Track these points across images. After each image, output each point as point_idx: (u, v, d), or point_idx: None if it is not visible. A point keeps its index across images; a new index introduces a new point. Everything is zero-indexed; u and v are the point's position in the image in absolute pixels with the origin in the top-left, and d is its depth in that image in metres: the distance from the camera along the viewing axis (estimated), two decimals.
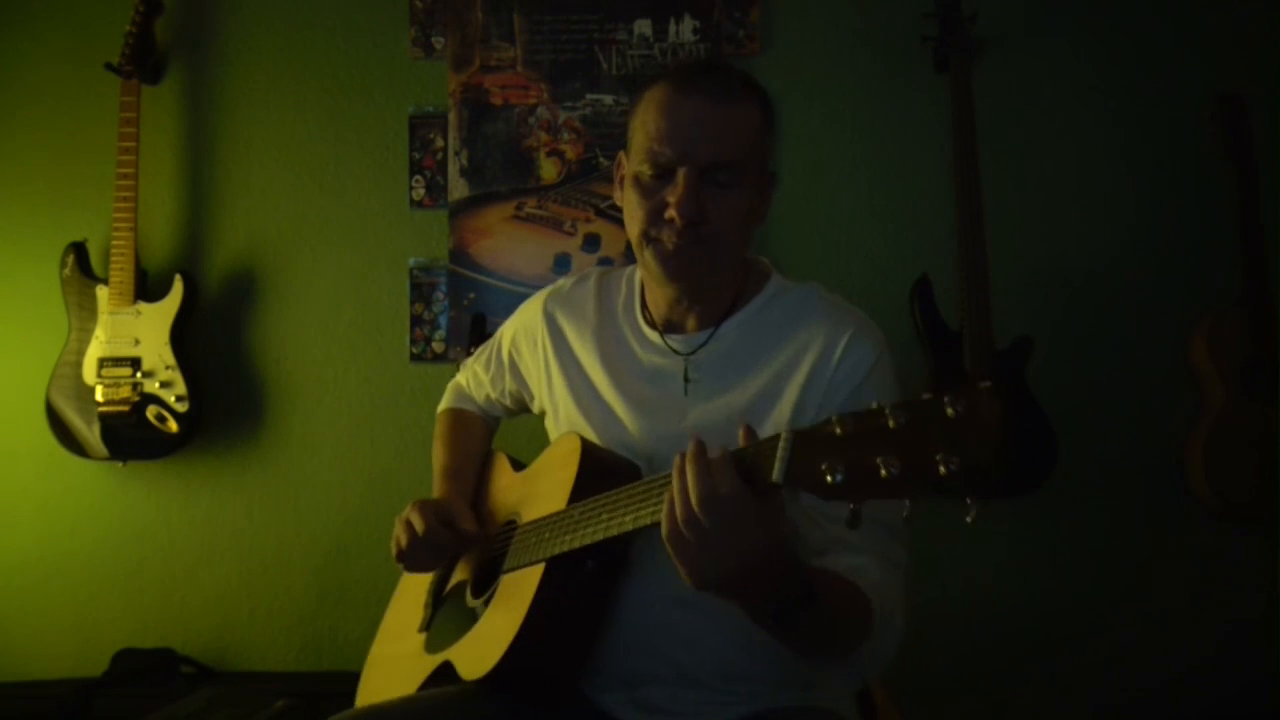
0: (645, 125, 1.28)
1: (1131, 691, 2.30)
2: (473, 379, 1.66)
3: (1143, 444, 2.31)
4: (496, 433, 1.69)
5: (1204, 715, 2.29)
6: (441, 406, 1.70)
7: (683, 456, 1.02)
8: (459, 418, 1.67)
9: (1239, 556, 2.28)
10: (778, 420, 1.27)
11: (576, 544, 1.19)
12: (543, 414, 1.53)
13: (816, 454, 0.92)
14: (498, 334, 1.62)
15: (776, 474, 0.95)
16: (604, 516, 1.16)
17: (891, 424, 0.88)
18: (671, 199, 1.25)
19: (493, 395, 1.63)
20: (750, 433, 1.03)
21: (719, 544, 0.99)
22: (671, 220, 1.26)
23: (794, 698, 1.29)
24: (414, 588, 1.55)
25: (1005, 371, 2.19)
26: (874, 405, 0.91)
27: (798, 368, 1.28)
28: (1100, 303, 2.34)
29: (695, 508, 0.99)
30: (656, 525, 1.05)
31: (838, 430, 0.91)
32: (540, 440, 1.48)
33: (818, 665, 1.20)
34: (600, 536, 1.16)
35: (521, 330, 1.54)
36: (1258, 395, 2.20)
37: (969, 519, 0.88)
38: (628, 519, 1.12)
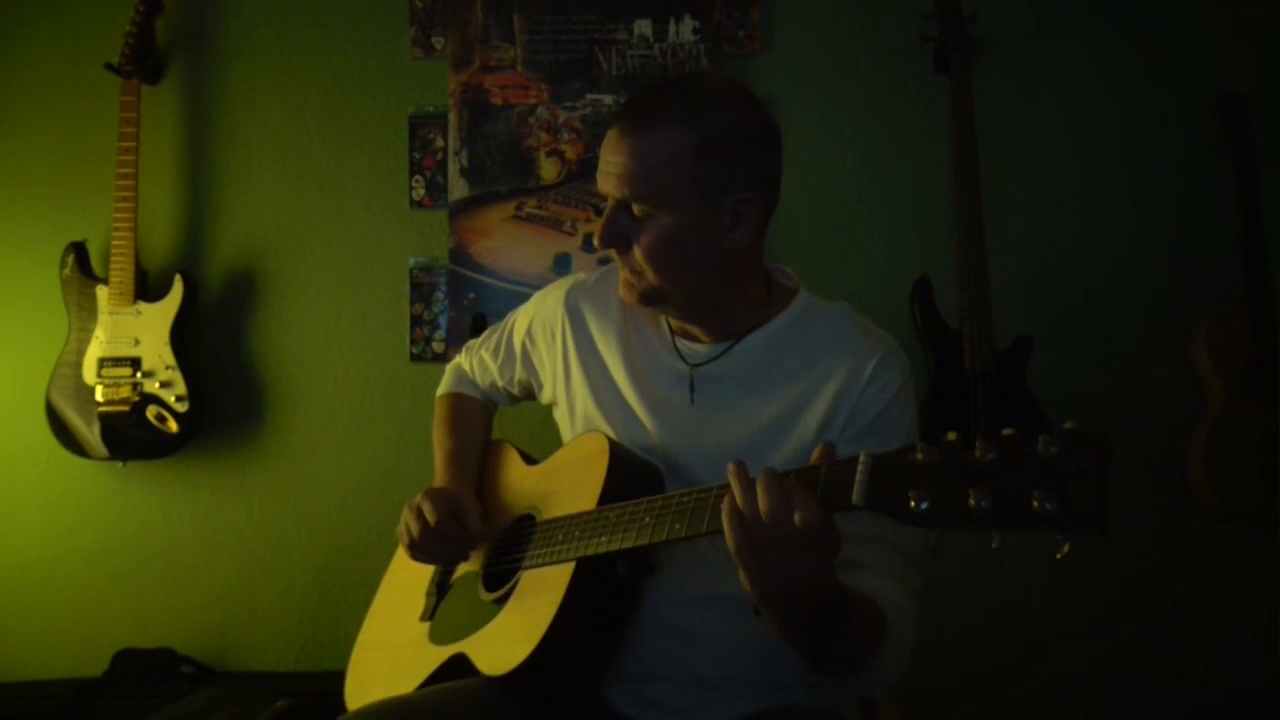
0: None
1: (1132, 692, 2.30)
2: (477, 364, 1.64)
3: (1143, 444, 2.31)
4: (492, 423, 1.69)
5: (1206, 716, 2.29)
6: (441, 390, 1.69)
7: (745, 475, 1.03)
8: (460, 403, 1.66)
9: (1240, 557, 2.28)
10: (802, 437, 1.27)
11: (615, 546, 1.19)
12: (550, 405, 1.52)
13: (899, 479, 0.93)
14: (508, 322, 1.60)
15: (857, 496, 0.96)
16: (648, 520, 1.17)
17: (978, 455, 0.88)
18: None
19: (499, 383, 1.61)
20: (827, 452, 1.03)
21: (790, 563, 1.01)
22: None
23: (797, 696, 1.30)
24: (411, 573, 1.53)
25: (1005, 371, 2.19)
26: (953, 436, 0.91)
27: (823, 389, 1.28)
28: (1100, 302, 2.34)
29: (767, 523, 1.00)
30: (709, 534, 1.08)
31: (919, 456, 0.92)
32: (545, 434, 1.48)
33: (826, 677, 1.20)
34: (645, 540, 1.16)
35: (538, 321, 1.52)
36: (1258, 395, 2.20)
37: (1059, 555, 0.87)
38: (678, 526, 1.13)
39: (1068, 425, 0.88)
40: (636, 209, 1.25)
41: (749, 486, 1.02)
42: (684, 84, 1.32)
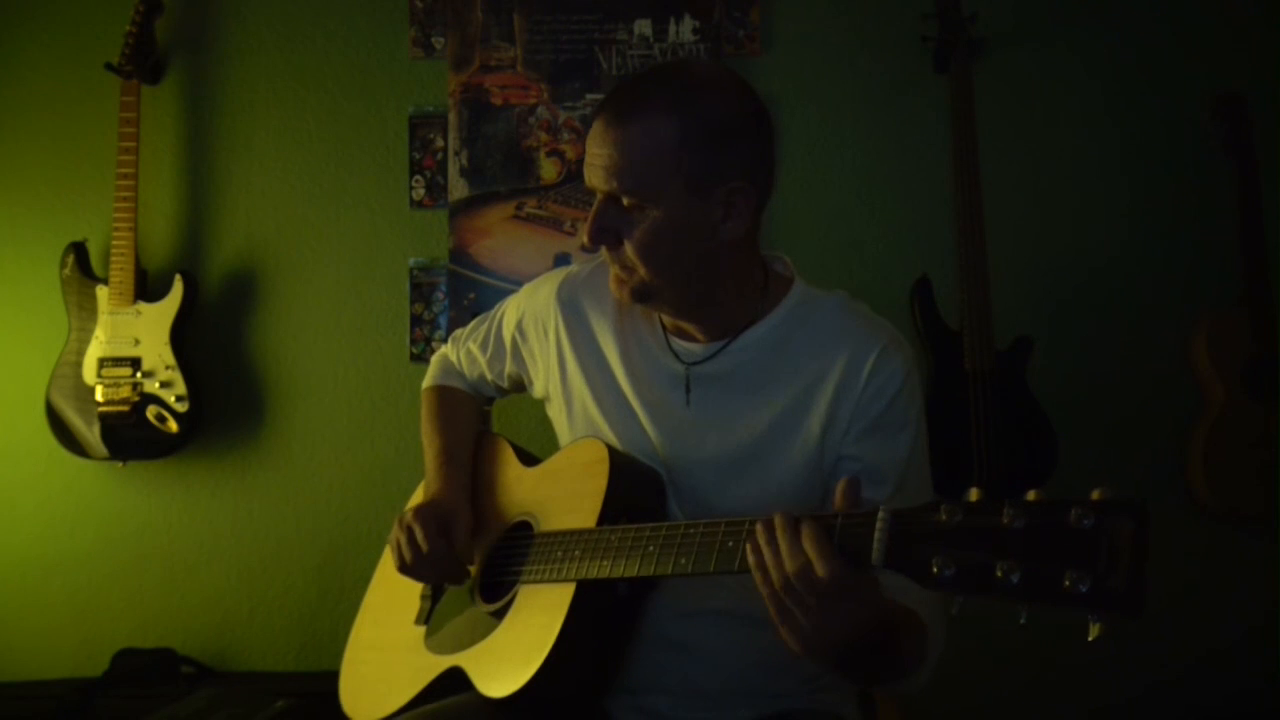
0: None
1: (1131, 691, 2.30)
2: (465, 357, 1.59)
3: (1143, 444, 2.31)
4: (492, 417, 1.66)
5: (1204, 716, 2.30)
6: (427, 383, 1.65)
7: (767, 526, 0.98)
8: (449, 395, 1.61)
9: (1239, 557, 2.28)
10: (805, 440, 1.24)
11: (618, 573, 1.16)
12: (543, 399, 1.48)
13: (919, 540, 0.88)
14: (497, 313, 1.55)
15: (876, 556, 0.91)
16: (652, 550, 1.13)
17: (1006, 521, 0.83)
18: None
19: (489, 376, 1.57)
20: (850, 493, 0.98)
21: (828, 620, 0.96)
22: None
23: (797, 702, 1.30)
24: None
25: (1005, 371, 2.19)
26: (975, 494, 0.86)
27: (824, 385, 1.24)
28: (1100, 303, 2.34)
29: (797, 584, 0.95)
30: (718, 573, 1.05)
31: (942, 516, 0.87)
32: (544, 434, 1.47)
33: (866, 687, 1.20)
34: (649, 571, 1.13)
35: (529, 315, 1.47)
36: (1258, 395, 2.20)
37: (1091, 639, 0.81)
38: (684, 561, 1.09)
39: (1097, 494, 0.82)
40: (626, 202, 1.21)
41: (774, 545, 0.98)
42: (668, 72, 1.28)
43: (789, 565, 0.96)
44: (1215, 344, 2.22)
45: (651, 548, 1.13)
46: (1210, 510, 2.24)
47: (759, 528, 0.99)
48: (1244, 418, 2.20)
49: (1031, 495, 0.84)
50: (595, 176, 1.22)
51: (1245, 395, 2.20)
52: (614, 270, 1.27)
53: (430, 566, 1.38)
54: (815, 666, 1.03)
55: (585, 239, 1.24)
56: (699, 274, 1.25)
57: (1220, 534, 2.28)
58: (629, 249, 1.22)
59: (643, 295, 1.26)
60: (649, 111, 1.18)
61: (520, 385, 1.55)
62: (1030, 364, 2.21)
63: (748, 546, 1.00)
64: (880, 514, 0.92)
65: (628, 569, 1.15)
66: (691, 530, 1.11)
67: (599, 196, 1.23)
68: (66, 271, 2.32)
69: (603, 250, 1.26)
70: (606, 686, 1.28)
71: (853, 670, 1.05)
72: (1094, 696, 2.30)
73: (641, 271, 1.23)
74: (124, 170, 2.28)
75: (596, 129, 1.22)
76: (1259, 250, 2.21)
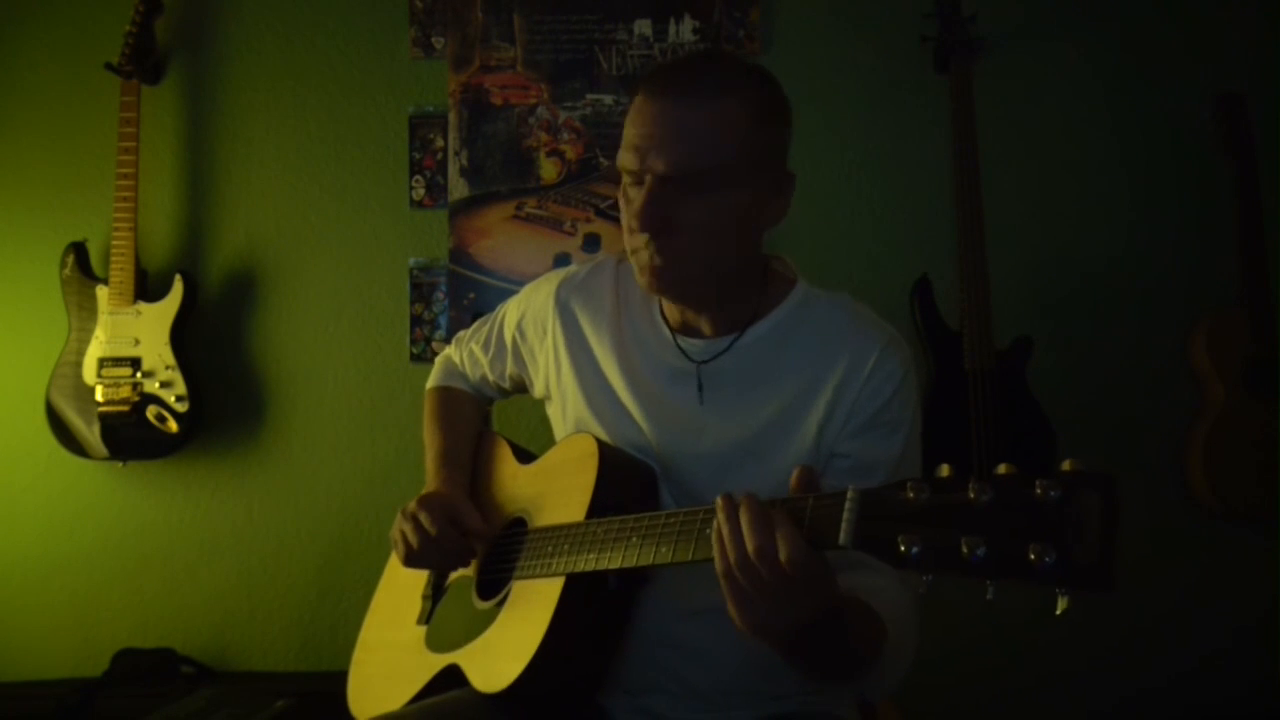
0: (625, 130, 1.22)
1: (1131, 691, 2.30)
2: (468, 358, 1.61)
3: (1143, 444, 2.31)
4: (492, 416, 1.66)
5: (1204, 715, 2.30)
6: (431, 383, 1.66)
7: (732, 502, 0.97)
8: (450, 396, 1.62)
9: (1239, 556, 2.28)
10: (803, 436, 1.25)
11: (603, 565, 1.16)
12: (543, 399, 1.49)
13: (886, 519, 0.88)
14: (498, 314, 1.56)
15: (844, 537, 0.90)
16: (634, 540, 1.13)
17: (972, 496, 0.82)
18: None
19: (490, 377, 1.58)
20: (805, 480, 0.97)
21: (781, 602, 0.96)
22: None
23: (795, 704, 1.30)
24: (407, 573, 1.52)
25: (1005, 371, 2.20)
26: (946, 471, 0.85)
27: (824, 383, 1.25)
28: (1100, 303, 2.34)
29: (755, 562, 0.94)
30: (697, 562, 1.04)
31: (910, 495, 0.86)
32: (544, 433, 1.47)
33: (821, 685, 1.19)
34: (632, 563, 1.13)
35: (529, 316, 1.49)
36: (1258, 395, 2.20)
37: (1058, 612, 0.81)
38: (664, 550, 1.09)
39: (1066, 466, 0.80)
40: (690, 184, 1.17)
41: (735, 521, 0.96)
42: (713, 55, 1.33)
43: (750, 543, 0.94)
44: (1215, 344, 2.23)
45: (634, 538, 1.14)
46: (1210, 509, 2.24)
47: (720, 502, 0.98)
48: (1244, 417, 2.20)
49: (1002, 469, 0.83)
50: (658, 158, 1.17)
51: (1245, 395, 2.20)
52: (650, 259, 1.22)
53: (439, 553, 1.38)
54: (764, 648, 1.02)
55: (635, 223, 1.19)
56: (737, 260, 1.25)
57: (1220, 533, 2.28)
58: (686, 234, 1.19)
59: (678, 282, 1.24)
60: (716, 90, 1.18)
61: (522, 386, 1.56)
62: (1030, 364, 2.21)
63: (714, 523, 0.98)
64: (849, 494, 0.91)
65: (612, 561, 1.15)
66: (671, 519, 1.11)
67: (650, 180, 1.18)
68: (66, 271, 2.32)
69: (639, 240, 1.21)
70: (602, 681, 1.28)
71: (798, 655, 1.04)
72: (1094, 696, 2.30)
73: (690, 256, 1.21)
74: (124, 170, 2.28)
75: (653, 109, 1.18)
76: (1258, 250, 2.21)
